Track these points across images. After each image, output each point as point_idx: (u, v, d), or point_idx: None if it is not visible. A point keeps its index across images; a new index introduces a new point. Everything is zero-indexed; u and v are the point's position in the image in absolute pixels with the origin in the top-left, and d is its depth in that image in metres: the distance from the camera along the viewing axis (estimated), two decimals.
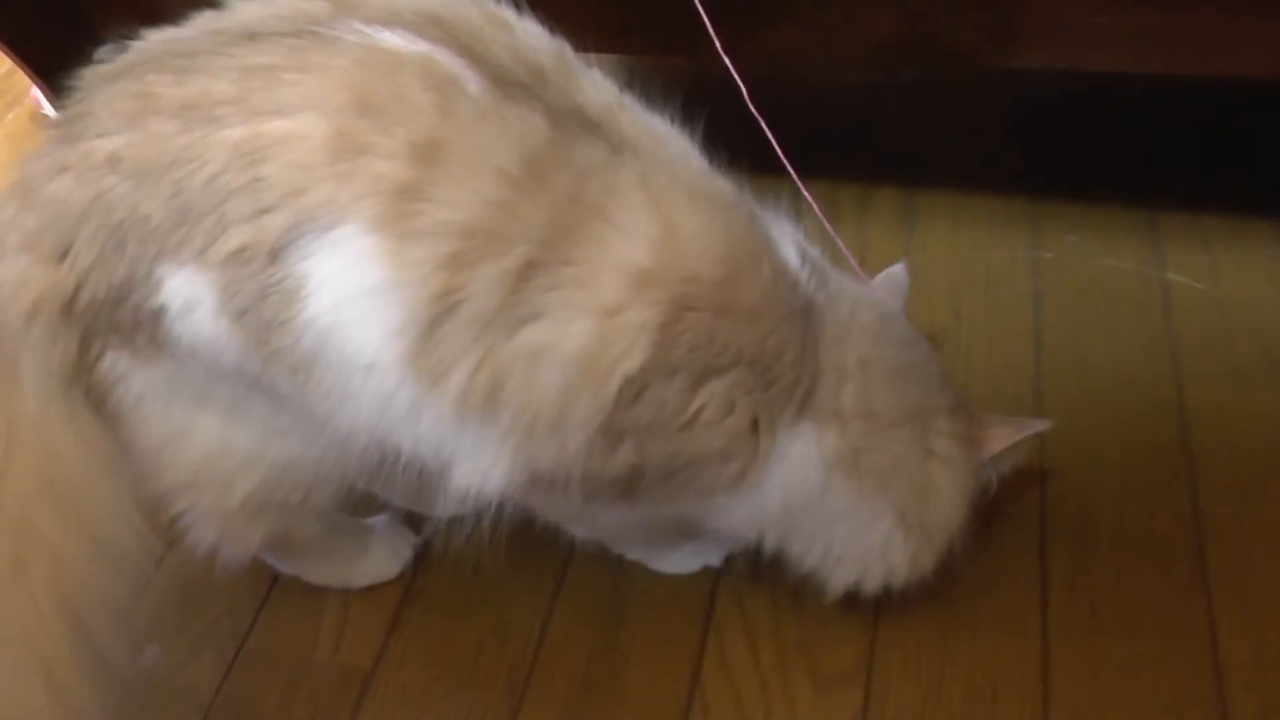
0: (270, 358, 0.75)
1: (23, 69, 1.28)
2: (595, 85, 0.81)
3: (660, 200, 0.74)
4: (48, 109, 1.37)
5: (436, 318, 0.71)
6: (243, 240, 0.72)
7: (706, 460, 0.80)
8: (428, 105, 0.71)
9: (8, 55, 1.28)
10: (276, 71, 0.73)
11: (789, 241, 0.83)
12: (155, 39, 0.81)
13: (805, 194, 0.93)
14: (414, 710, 0.96)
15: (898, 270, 1.00)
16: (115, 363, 0.80)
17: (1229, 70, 1.04)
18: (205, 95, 0.73)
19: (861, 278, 0.98)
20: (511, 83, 0.75)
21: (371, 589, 1.03)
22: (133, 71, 0.77)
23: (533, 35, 0.81)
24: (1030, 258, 1.22)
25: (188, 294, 0.75)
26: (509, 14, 0.81)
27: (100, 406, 0.81)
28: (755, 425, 0.80)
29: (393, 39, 0.74)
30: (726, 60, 0.89)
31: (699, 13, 0.91)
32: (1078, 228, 1.23)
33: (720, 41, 0.94)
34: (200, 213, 0.72)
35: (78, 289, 0.76)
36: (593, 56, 0.83)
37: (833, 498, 0.84)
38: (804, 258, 0.83)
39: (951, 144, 1.36)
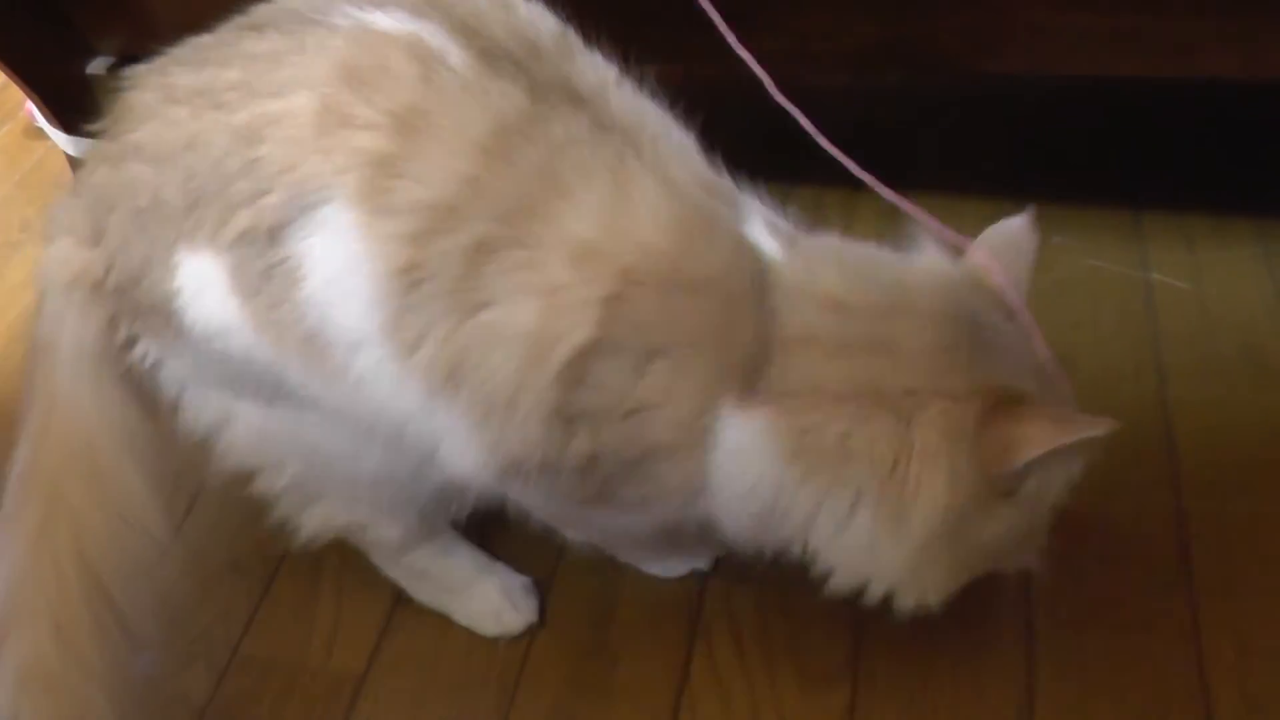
0: (279, 341, 0.77)
1: (16, 83, 1.29)
2: (593, 65, 0.81)
3: (627, 177, 0.74)
4: (41, 123, 1.38)
5: (404, 291, 0.73)
6: (246, 222, 0.74)
7: (656, 454, 0.77)
8: (409, 76, 0.73)
9: (1, 70, 1.29)
10: (278, 55, 0.76)
11: (756, 216, 0.79)
12: (191, 41, 0.84)
13: (860, 173, 0.86)
14: (406, 713, 0.97)
15: (1011, 226, 0.85)
16: (148, 350, 0.84)
17: (1206, 71, 1.05)
18: (214, 81, 0.77)
19: (944, 239, 0.84)
20: (500, 57, 0.76)
21: (362, 593, 1.04)
22: (163, 68, 0.82)
23: (535, 14, 0.82)
24: None
25: (200, 277, 0.77)
26: (525, 6, 0.83)
27: (154, 396, 0.86)
28: (700, 414, 0.75)
29: (385, 20, 0.76)
30: (746, 55, 0.85)
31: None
32: (1063, 229, 1.23)
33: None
34: (209, 196, 0.75)
35: (107, 271, 0.81)
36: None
37: (789, 492, 0.77)
38: (774, 230, 0.79)
39: (938, 148, 1.37)
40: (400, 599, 1.03)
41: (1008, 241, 0.85)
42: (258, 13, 0.82)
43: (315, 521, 0.93)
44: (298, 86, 0.74)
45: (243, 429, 0.86)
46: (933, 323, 0.76)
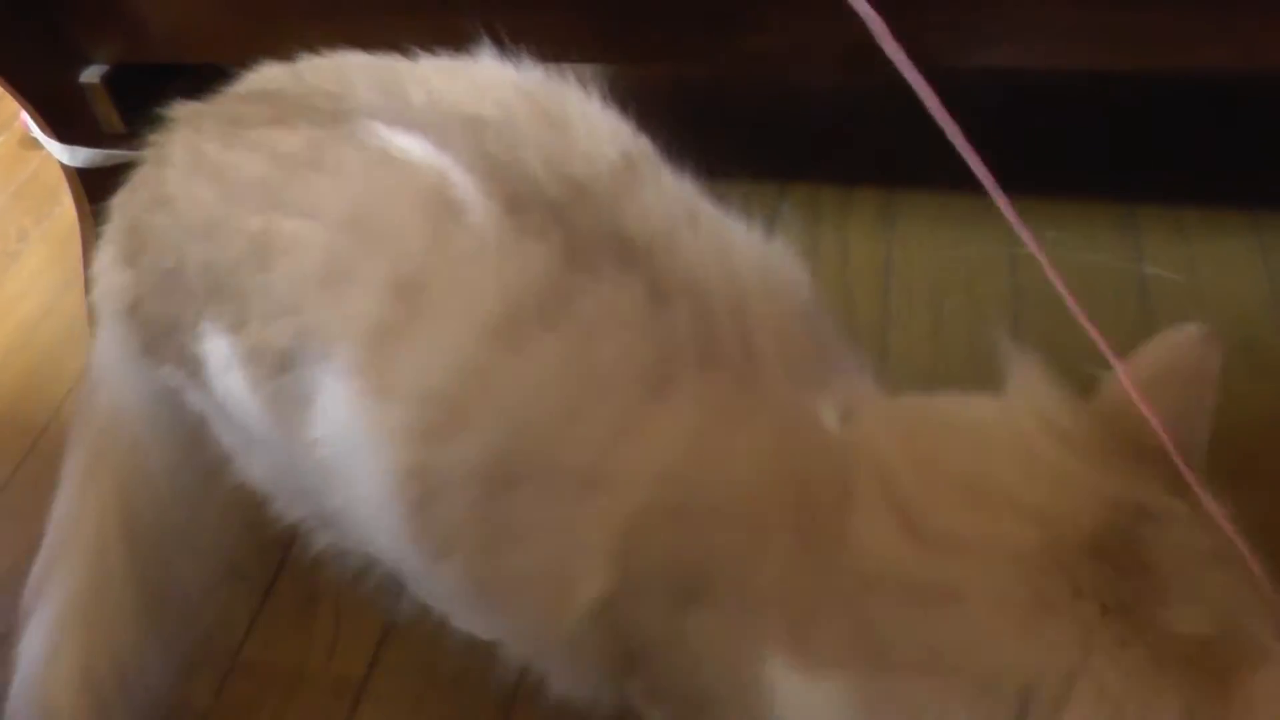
0: (295, 448, 0.72)
1: (9, 93, 1.30)
2: (662, 198, 0.68)
3: (666, 375, 0.61)
4: (36, 133, 1.38)
5: (419, 502, 0.65)
6: (258, 337, 0.70)
7: (713, 702, 0.64)
8: (422, 234, 0.65)
9: None
10: (298, 164, 0.71)
11: (834, 392, 0.64)
12: (239, 86, 0.82)
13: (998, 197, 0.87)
14: (407, 716, 0.97)
15: (1179, 342, 0.62)
16: (173, 376, 0.82)
17: (1197, 64, 1.05)
18: (239, 170, 0.73)
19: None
20: (532, 206, 0.65)
21: (364, 599, 1.04)
22: (200, 120, 0.79)
23: (597, 136, 0.71)
24: (1009, 254, 1.23)
25: (223, 357, 0.74)
26: (576, 108, 0.73)
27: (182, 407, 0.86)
28: (750, 667, 0.60)
29: (410, 148, 0.68)
30: (903, 56, 0.80)
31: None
32: (1057, 224, 1.24)
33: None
34: (226, 293, 0.72)
35: (138, 301, 0.80)
36: (586, 75, 0.78)
37: None
38: (850, 411, 0.63)
39: (930, 145, 1.37)
40: (399, 601, 1.03)
41: (1174, 364, 0.61)
42: (293, 81, 0.78)
43: (328, 540, 0.91)
44: (309, 214, 0.69)
45: (257, 465, 0.85)
46: (1056, 543, 0.53)
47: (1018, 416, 0.59)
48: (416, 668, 1.00)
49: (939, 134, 1.47)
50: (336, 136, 0.71)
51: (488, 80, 0.75)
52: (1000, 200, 0.59)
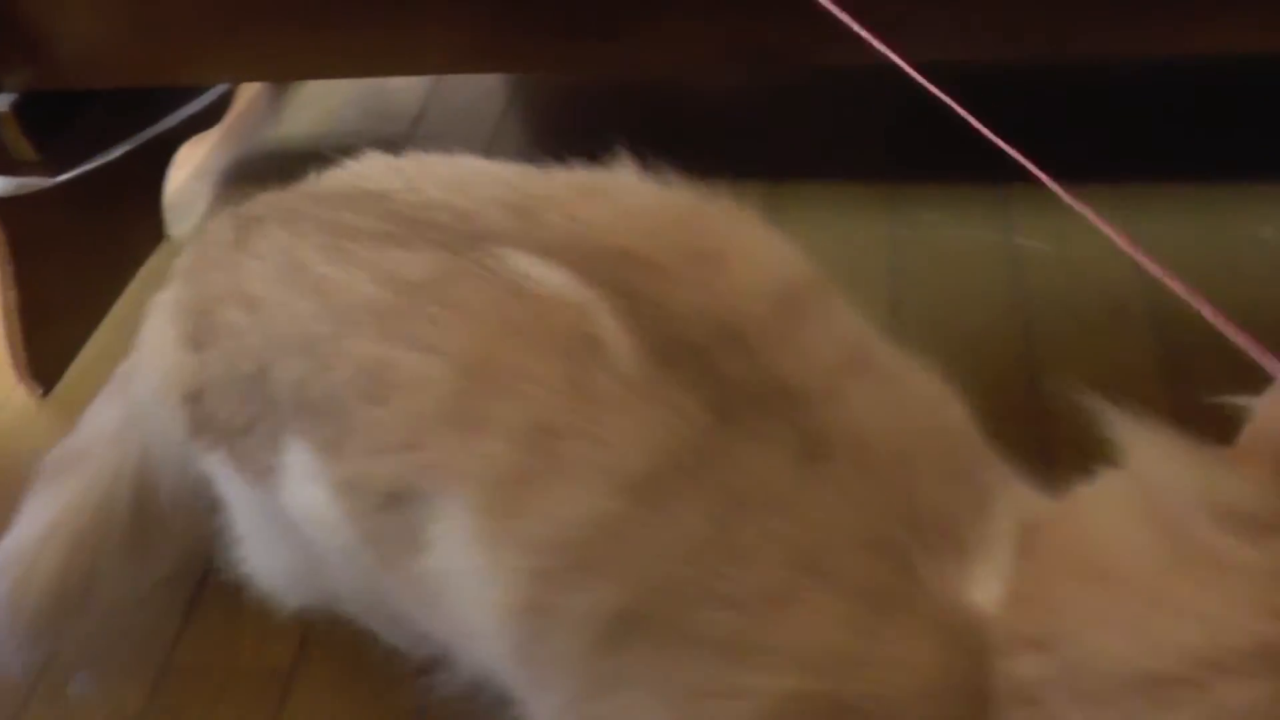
0: (392, 574, 0.69)
1: None
2: (825, 337, 0.63)
3: (809, 545, 0.56)
4: None
5: (531, 638, 0.62)
6: (362, 468, 0.66)
7: None
8: (560, 376, 0.60)
9: None
10: (420, 294, 0.65)
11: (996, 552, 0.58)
12: (338, 178, 0.78)
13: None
14: (336, 703, 1.01)
15: None
16: (219, 467, 0.78)
17: (1053, 51, 1.11)
18: (349, 292, 0.67)
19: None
20: (682, 350, 0.61)
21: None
22: (298, 220, 0.73)
23: (750, 272, 0.65)
24: (890, 236, 1.30)
25: (308, 473, 0.70)
26: (732, 235, 0.68)
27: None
28: None
29: (548, 278, 0.63)
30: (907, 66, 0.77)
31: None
32: (933, 205, 1.31)
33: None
34: (324, 415, 0.67)
35: (200, 392, 0.75)
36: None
37: None
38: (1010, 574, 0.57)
39: (815, 138, 1.44)
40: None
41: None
42: (406, 186, 0.73)
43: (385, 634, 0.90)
44: (435, 350, 0.63)
45: (281, 560, 0.82)
46: None
47: (1189, 525, 0.50)
48: (341, 655, 1.03)
49: (825, 129, 1.55)
50: (465, 265, 0.65)
51: (632, 205, 0.70)
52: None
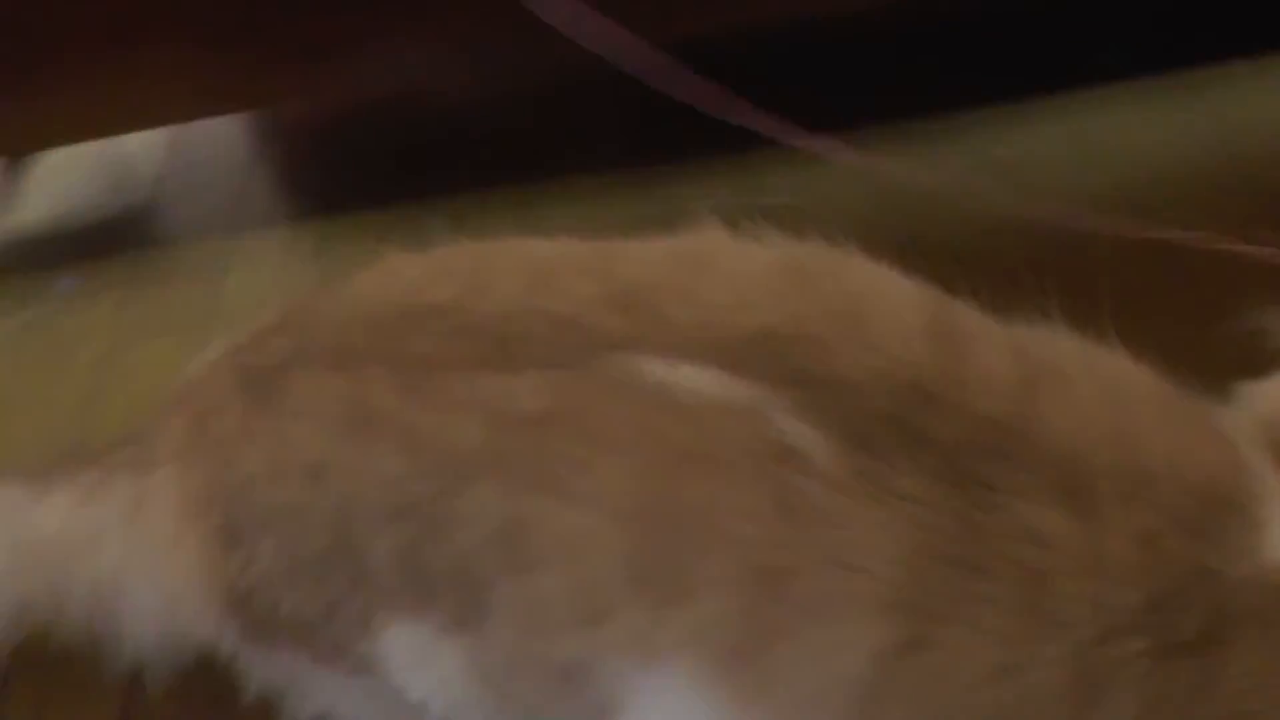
0: None
1: None
2: (989, 354, 0.54)
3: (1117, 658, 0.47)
4: None
5: None
6: (519, 650, 0.57)
7: None
8: (757, 508, 0.50)
9: None
10: (544, 429, 0.53)
11: None
12: (373, 291, 0.63)
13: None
14: None
15: None
16: (295, 666, 0.66)
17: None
18: (446, 434, 0.55)
19: None
20: (878, 426, 0.51)
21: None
22: (353, 355, 0.59)
23: (889, 316, 0.55)
24: (641, 218, 1.34)
25: (423, 653, 0.59)
26: (854, 281, 0.57)
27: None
28: None
29: (703, 385, 0.52)
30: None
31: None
32: (684, 182, 1.38)
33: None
34: (446, 586, 0.56)
35: (251, 591, 0.62)
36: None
37: None
38: None
39: (567, 137, 1.50)
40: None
41: None
42: (473, 294, 0.59)
43: None
44: (586, 499, 0.52)
45: None
46: None
47: None
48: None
49: (573, 123, 1.61)
50: (590, 384, 0.54)
51: (743, 272, 0.58)
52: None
